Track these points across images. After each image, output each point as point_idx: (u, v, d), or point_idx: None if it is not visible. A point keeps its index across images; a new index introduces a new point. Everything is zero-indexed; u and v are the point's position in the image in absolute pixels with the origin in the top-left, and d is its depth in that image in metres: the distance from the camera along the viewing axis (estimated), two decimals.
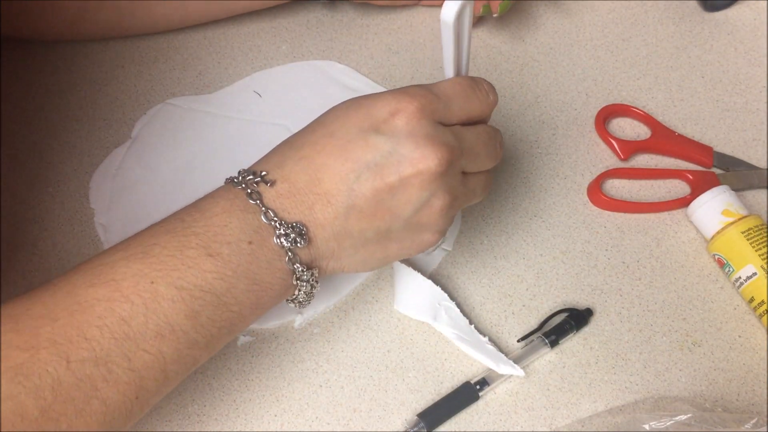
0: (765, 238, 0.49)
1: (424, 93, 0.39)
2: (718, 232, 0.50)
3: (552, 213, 0.53)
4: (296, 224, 0.38)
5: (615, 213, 0.53)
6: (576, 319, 0.48)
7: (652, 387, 0.47)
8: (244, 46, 0.59)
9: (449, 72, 0.42)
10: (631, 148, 0.55)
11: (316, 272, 0.39)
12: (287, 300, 0.40)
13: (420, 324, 0.48)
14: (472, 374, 0.46)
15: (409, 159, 0.37)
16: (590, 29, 0.62)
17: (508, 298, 0.49)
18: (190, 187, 0.52)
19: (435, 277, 0.50)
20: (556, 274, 0.50)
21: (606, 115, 0.57)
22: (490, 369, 0.46)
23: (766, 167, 0.55)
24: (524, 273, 0.50)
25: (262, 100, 0.56)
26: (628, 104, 0.57)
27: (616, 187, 0.54)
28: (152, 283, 0.34)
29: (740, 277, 0.49)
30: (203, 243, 0.36)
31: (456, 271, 0.50)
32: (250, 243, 0.37)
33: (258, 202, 0.37)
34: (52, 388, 0.31)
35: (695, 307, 0.50)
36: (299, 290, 0.39)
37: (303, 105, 0.56)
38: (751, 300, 0.48)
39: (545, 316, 0.48)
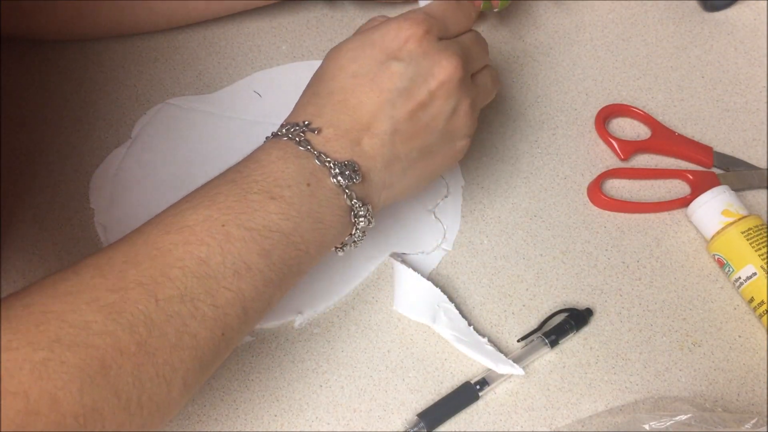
0: (765, 239, 0.49)
1: (424, 17, 0.42)
2: (718, 232, 0.50)
3: (552, 213, 0.53)
4: (349, 162, 0.40)
5: (615, 213, 0.53)
6: (576, 319, 0.48)
7: (652, 387, 0.47)
8: (244, 46, 0.59)
9: None
10: (631, 148, 0.55)
11: (370, 207, 0.42)
12: (346, 241, 0.43)
13: (420, 324, 0.48)
14: (472, 374, 0.46)
15: (432, 74, 0.42)
16: (590, 29, 0.62)
17: (508, 298, 0.49)
18: (190, 186, 0.52)
19: (435, 277, 0.50)
20: (556, 274, 0.50)
21: (606, 115, 0.57)
22: (490, 369, 0.46)
23: (766, 167, 0.55)
24: (524, 273, 0.50)
25: (262, 100, 0.56)
26: (628, 104, 0.57)
27: (616, 187, 0.54)
28: (223, 225, 0.36)
29: (740, 277, 0.49)
30: (265, 188, 0.38)
31: (456, 271, 0.50)
32: (308, 185, 0.39)
33: (309, 147, 0.40)
34: (145, 324, 0.33)
35: (695, 307, 0.50)
36: (357, 227, 0.42)
37: None
38: (751, 300, 0.48)
39: (545, 316, 0.48)
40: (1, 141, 0.54)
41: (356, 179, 0.40)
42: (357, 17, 0.61)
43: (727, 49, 0.61)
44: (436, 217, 0.52)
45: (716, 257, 0.50)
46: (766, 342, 0.48)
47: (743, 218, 0.50)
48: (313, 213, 0.39)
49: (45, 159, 0.53)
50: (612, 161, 0.55)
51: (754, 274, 0.48)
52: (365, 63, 0.42)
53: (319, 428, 0.45)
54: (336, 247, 0.43)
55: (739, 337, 0.49)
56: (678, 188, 0.54)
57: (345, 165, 0.40)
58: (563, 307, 0.48)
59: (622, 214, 0.53)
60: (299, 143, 0.40)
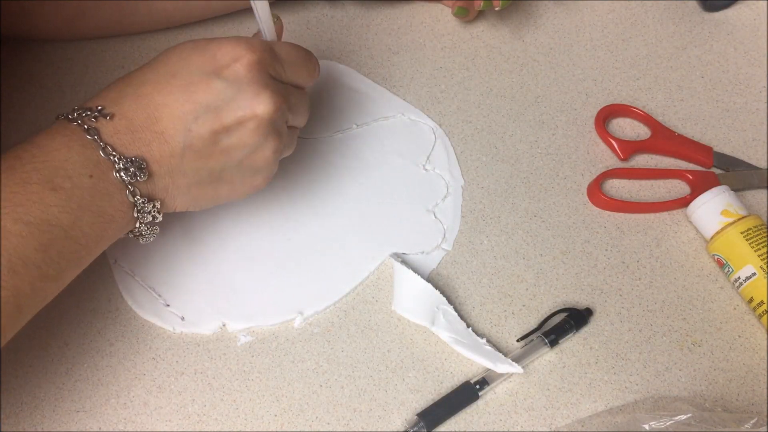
0: (764, 239, 0.49)
1: (265, 48, 0.42)
2: (717, 233, 0.50)
3: (552, 213, 0.53)
4: (136, 159, 0.39)
5: (615, 213, 0.53)
6: (575, 318, 0.48)
7: (652, 387, 0.47)
8: None
9: (268, 36, 0.46)
10: (631, 148, 0.55)
11: (158, 204, 0.41)
12: (131, 234, 0.42)
13: (420, 324, 0.48)
14: (472, 374, 0.46)
15: (248, 103, 0.40)
16: (590, 29, 0.62)
17: (508, 298, 0.49)
18: None
19: (434, 277, 0.50)
20: (556, 274, 0.50)
21: (606, 115, 0.57)
22: (490, 369, 0.46)
23: (766, 167, 0.55)
24: (524, 273, 0.50)
25: None
26: (628, 104, 0.57)
27: (616, 187, 0.54)
28: None
29: (739, 278, 0.49)
30: (45, 177, 0.36)
31: (456, 271, 0.50)
32: (91, 176, 0.38)
33: (96, 137, 0.38)
34: None
35: (695, 307, 0.50)
36: (141, 222, 0.41)
37: None
38: (751, 300, 0.48)
39: (545, 316, 0.48)
40: (1, 141, 0.54)
41: (141, 177, 0.39)
42: (357, 17, 0.61)
43: (727, 49, 0.61)
44: (436, 217, 0.52)
45: (716, 257, 0.50)
46: (765, 342, 0.48)
47: (743, 218, 0.50)
48: (94, 207, 0.38)
49: None
50: (612, 161, 0.55)
51: (754, 274, 0.48)
52: (189, 67, 0.40)
53: (319, 428, 0.45)
54: (132, 234, 0.42)
55: (739, 337, 0.49)
56: (678, 188, 0.54)
57: (131, 161, 0.39)
58: (563, 307, 0.48)
59: (622, 214, 0.53)
60: (87, 131, 0.38)
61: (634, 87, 0.59)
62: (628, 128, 0.57)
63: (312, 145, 0.54)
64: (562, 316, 0.48)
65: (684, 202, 0.53)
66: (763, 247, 0.48)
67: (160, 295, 0.48)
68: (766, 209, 0.53)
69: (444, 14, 0.62)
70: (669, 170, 0.55)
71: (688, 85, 0.59)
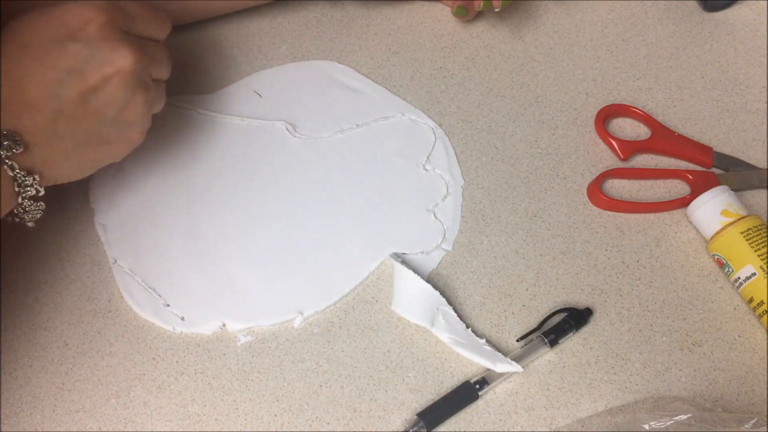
0: (764, 239, 0.49)
1: (110, 6, 0.42)
2: (717, 233, 0.50)
3: (552, 213, 0.53)
4: (9, 132, 0.38)
5: (615, 213, 0.53)
6: (575, 318, 0.48)
7: (652, 387, 0.47)
8: (244, 46, 0.59)
9: None
10: (631, 148, 0.55)
11: (37, 177, 0.40)
12: (15, 215, 0.42)
13: (419, 325, 0.48)
14: (472, 374, 0.46)
15: (109, 59, 0.41)
16: (590, 29, 0.62)
17: (508, 298, 0.49)
18: (190, 187, 0.52)
19: (434, 278, 0.50)
20: (556, 274, 0.50)
21: (606, 115, 0.57)
22: (490, 369, 0.46)
23: (765, 167, 0.55)
24: (524, 273, 0.50)
25: (262, 100, 0.56)
26: (628, 104, 0.57)
27: (616, 187, 0.54)
28: None
29: (739, 278, 0.49)
30: None
31: (456, 271, 0.50)
32: None
33: None
34: None
35: (695, 307, 0.50)
36: (23, 197, 0.41)
37: (303, 105, 0.56)
38: (751, 300, 0.48)
39: (545, 316, 0.48)
40: None
41: (16, 149, 0.39)
42: (357, 17, 0.61)
43: (727, 49, 0.61)
44: (436, 217, 0.52)
45: (716, 257, 0.50)
46: (765, 342, 0.48)
47: (743, 218, 0.50)
48: None
49: None
50: (612, 161, 0.55)
51: (754, 274, 0.48)
52: (39, 37, 0.40)
53: (319, 428, 0.45)
54: (16, 218, 0.42)
55: (739, 337, 0.49)
56: (678, 188, 0.54)
57: (4, 135, 0.38)
58: (563, 307, 0.48)
59: (621, 214, 0.53)
60: None
61: (634, 87, 0.59)
62: (628, 128, 0.57)
63: (312, 145, 0.54)
64: (562, 316, 0.48)
65: (684, 202, 0.53)
66: (763, 247, 0.48)
67: (160, 295, 0.48)
68: (766, 209, 0.53)
69: (444, 14, 0.62)
70: (669, 170, 0.55)
71: (688, 85, 0.59)
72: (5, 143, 0.38)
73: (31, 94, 0.39)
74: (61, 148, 0.41)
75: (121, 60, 0.41)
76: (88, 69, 0.40)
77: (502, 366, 0.45)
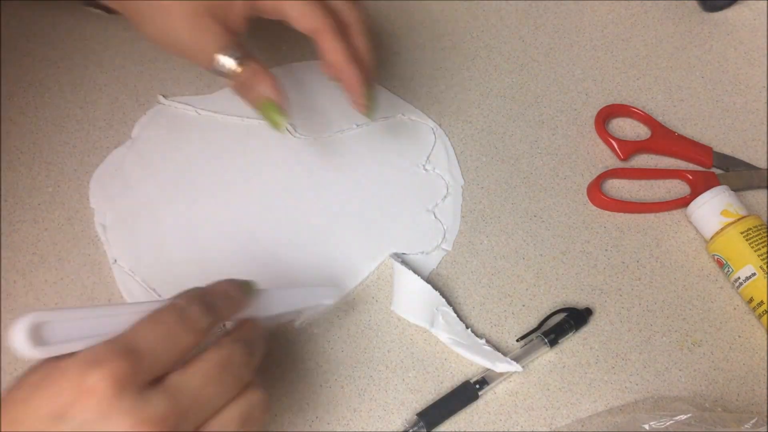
0: (764, 239, 0.49)
1: (118, 359, 0.31)
2: (717, 233, 0.50)
3: (552, 213, 0.53)
4: None
5: (615, 213, 0.53)
6: (575, 318, 0.48)
7: (652, 387, 0.47)
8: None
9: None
10: (630, 148, 0.55)
11: None
12: None
13: (419, 325, 0.48)
14: (472, 374, 0.46)
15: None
16: (590, 29, 0.62)
17: (508, 298, 0.49)
18: (190, 187, 0.52)
19: (434, 278, 0.50)
20: (556, 274, 0.50)
21: (606, 115, 0.57)
22: (489, 369, 0.46)
23: (765, 167, 0.55)
24: (524, 273, 0.50)
25: None
26: (628, 104, 0.57)
27: (616, 187, 0.54)
28: None
29: (739, 278, 0.49)
30: None
31: (456, 271, 0.50)
32: None
33: None
34: None
35: (695, 307, 0.50)
36: None
37: (303, 105, 0.56)
38: (751, 300, 0.48)
39: (545, 316, 0.48)
40: (1, 141, 0.54)
41: None
42: None
43: (727, 49, 0.61)
44: (436, 217, 0.52)
45: (716, 257, 0.50)
46: (765, 342, 0.48)
47: (743, 218, 0.50)
48: None
49: (45, 159, 0.53)
50: (612, 161, 0.55)
51: (754, 274, 0.48)
52: (29, 411, 0.31)
53: (319, 428, 0.45)
54: None
55: (739, 337, 0.49)
56: (678, 188, 0.55)
57: None
58: (562, 307, 0.48)
59: (621, 214, 0.53)
60: None
61: (634, 87, 0.59)
62: (628, 128, 0.57)
63: (312, 145, 0.54)
64: (562, 316, 0.48)
65: (684, 202, 0.53)
66: (763, 247, 0.48)
67: (160, 295, 0.48)
68: (766, 209, 0.53)
69: (444, 14, 0.62)
70: (669, 170, 0.55)
71: (688, 85, 0.59)
72: None
73: None
74: None
75: None
76: None
77: (502, 366, 0.45)
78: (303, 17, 0.44)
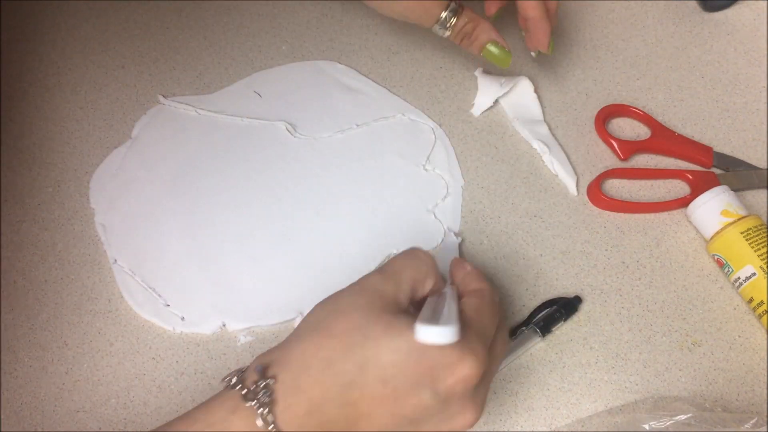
0: (764, 239, 0.49)
1: (485, 357, 0.35)
2: (717, 233, 0.50)
3: (552, 213, 0.53)
4: None
5: (615, 213, 0.53)
6: (564, 306, 0.48)
7: (652, 387, 0.47)
8: (244, 46, 0.59)
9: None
10: (631, 148, 0.55)
11: None
12: None
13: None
14: None
15: (450, 421, 0.36)
16: (590, 29, 0.62)
17: (508, 298, 0.49)
18: (190, 187, 0.52)
19: None
20: (556, 274, 0.50)
21: (606, 115, 0.57)
22: None
23: (765, 167, 0.55)
24: (524, 273, 0.50)
25: (262, 100, 0.56)
26: (628, 104, 0.57)
27: (616, 187, 0.54)
28: None
29: (739, 278, 0.49)
30: None
31: None
32: None
33: None
34: None
35: (695, 307, 0.50)
36: None
37: (303, 105, 0.56)
38: (751, 300, 0.48)
39: (545, 316, 0.48)
40: (1, 141, 0.54)
41: None
42: (357, 18, 0.61)
43: (727, 49, 0.61)
44: (436, 217, 0.52)
45: (716, 257, 0.50)
46: (766, 342, 0.48)
47: (743, 218, 0.50)
48: None
49: (45, 159, 0.53)
50: (612, 161, 0.55)
51: (754, 274, 0.48)
52: (403, 374, 0.34)
53: None
54: None
55: (739, 337, 0.49)
56: (678, 188, 0.54)
57: None
58: (552, 298, 0.48)
59: (622, 214, 0.53)
60: None
61: (634, 87, 0.59)
62: (628, 128, 0.57)
63: (312, 145, 0.54)
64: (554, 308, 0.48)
65: (684, 202, 0.53)
66: (763, 247, 0.48)
67: (160, 295, 0.48)
68: (766, 209, 0.53)
69: None
70: (669, 170, 0.55)
71: (688, 85, 0.59)
72: None
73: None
74: None
75: (459, 425, 0.36)
76: (424, 422, 0.35)
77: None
78: None
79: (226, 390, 0.35)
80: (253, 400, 0.34)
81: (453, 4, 0.50)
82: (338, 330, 0.35)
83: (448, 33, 0.51)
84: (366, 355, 0.34)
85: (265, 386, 0.34)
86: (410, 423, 0.35)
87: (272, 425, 0.34)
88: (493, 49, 0.51)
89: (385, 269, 0.39)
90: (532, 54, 0.55)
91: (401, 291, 0.38)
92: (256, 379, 0.35)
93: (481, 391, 0.37)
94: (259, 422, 0.33)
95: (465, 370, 0.34)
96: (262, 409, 0.34)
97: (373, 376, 0.34)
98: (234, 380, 0.35)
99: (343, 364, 0.34)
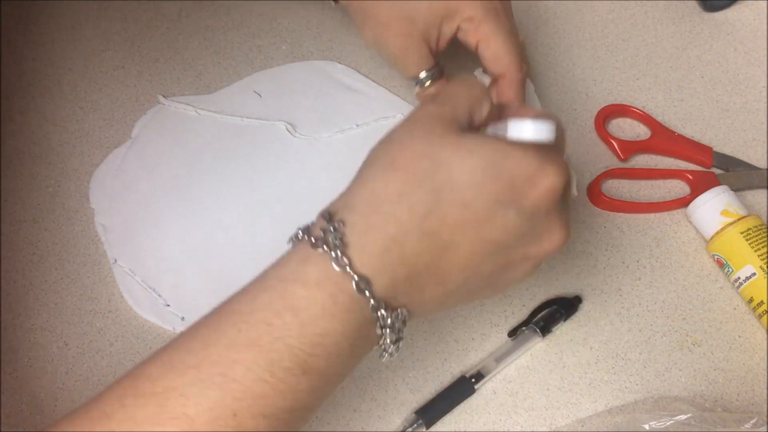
0: (764, 239, 0.49)
1: (565, 166, 0.33)
2: (717, 233, 0.50)
3: None
4: (400, 311, 0.33)
5: (615, 213, 0.53)
6: (564, 306, 0.48)
7: (652, 387, 0.47)
8: (244, 46, 0.59)
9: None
10: (631, 148, 0.55)
11: (402, 336, 0.35)
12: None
13: (420, 323, 0.48)
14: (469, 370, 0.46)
15: (539, 240, 0.34)
16: (590, 29, 0.62)
17: (508, 298, 0.49)
18: (191, 187, 0.52)
19: None
20: (555, 274, 0.50)
21: (606, 115, 0.57)
22: (485, 362, 0.46)
23: (765, 167, 0.55)
24: None
25: (262, 100, 0.56)
26: (628, 104, 0.57)
27: (616, 187, 0.54)
28: (235, 415, 0.29)
29: (739, 278, 0.49)
30: (299, 360, 0.30)
31: None
32: (351, 346, 0.32)
33: (370, 297, 0.31)
34: None
35: (695, 307, 0.50)
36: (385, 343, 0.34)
37: (303, 105, 0.56)
38: (751, 300, 0.48)
39: (540, 313, 0.48)
40: (1, 141, 0.54)
41: (402, 333, 0.33)
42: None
43: (727, 49, 0.61)
44: None
45: (716, 257, 0.50)
46: (766, 342, 0.48)
47: (743, 218, 0.50)
48: (344, 372, 0.33)
49: (45, 159, 0.53)
50: (612, 161, 0.55)
51: (754, 274, 0.48)
52: (483, 195, 0.32)
53: (319, 428, 0.45)
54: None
55: (739, 337, 0.49)
56: (678, 188, 0.54)
57: (396, 316, 0.32)
58: (553, 298, 0.48)
59: (622, 214, 0.53)
60: (358, 287, 0.31)
61: (634, 87, 0.59)
62: (628, 128, 0.57)
63: (312, 145, 0.54)
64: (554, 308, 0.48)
65: (684, 202, 0.53)
66: (763, 247, 0.48)
67: (160, 295, 0.48)
68: (766, 209, 0.53)
69: None
70: (669, 170, 0.55)
71: (688, 85, 0.59)
72: (395, 326, 0.33)
73: (446, 266, 0.33)
74: (436, 310, 0.36)
75: (550, 245, 0.34)
76: (514, 246, 0.33)
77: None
78: (496, 62, 0.48)
79: (293, 246, 0.33)
80: (323, 246, 0.31)
81: (435, 70, 0.49)
82: (403, 162, 0.32)
83: (417, 90, 0.50)
84: (439, 180, 0.32)
85: (335, 230, 0.32)
86: (498, 248, 0.33)
87: (348, 266, 0.31)
88: None
89: (436, 96, 0.36)
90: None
91: (459, 112, 0.34)
92: (323, 226, 0.32)
93: (564, 209, 0.34)
94: (335, 266, 0.31)
95: (547, 180, 0.32)
96: (334, 252, 0.31)
97: (450, 201, 0.32)
98: (300, 234, 0.33)
99: (415, 194, 0.32)
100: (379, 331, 0.33)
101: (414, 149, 0.33)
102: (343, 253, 0.31)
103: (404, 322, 0.33)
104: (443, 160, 0.32)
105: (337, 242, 0.31)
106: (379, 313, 0.32)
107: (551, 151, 0.33)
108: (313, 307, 0.31)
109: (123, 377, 0.31)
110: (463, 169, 0.32)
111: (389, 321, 0.32)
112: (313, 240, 0.32)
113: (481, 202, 0.32)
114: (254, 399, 0.30)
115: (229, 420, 0.29)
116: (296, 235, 0.33)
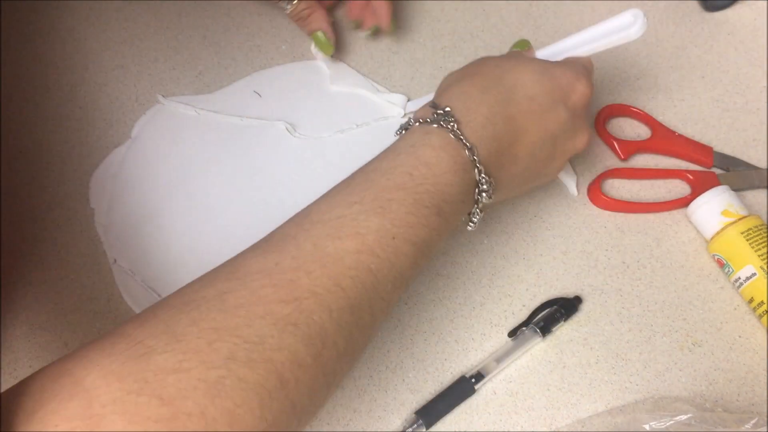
0: (765, 239, 0.49)
1: (591, 80, 0.46)
2: (717, 233, 0.50)
3: (552, 213, 0.53)
4: (493, 182, 0.42)
5: (615, 213, 0.53)
6: (564, 306, 0.48)
7: (652, 387, 0.47)
8: (244, 46, 0.59)
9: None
10: (631, 148, 0.55)
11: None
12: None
13: (420, 324, 0.48)
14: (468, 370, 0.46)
15: (575, 137, 0.45)
16: None
17: (508, 298, 0.49)
18: (190, 186, 0.52)
19: (435, 278, 0.50)
20: (556, 274, 0.50)
21: (606, 115, 0.57)
22: (485, 362, 0.46)
23: (766, 167, 0.55)
24: (524, 273, 0.50)
25: (262, 100, 0.56)
26: (628, 104, 0.57)
27: (616, 187, 0.54)
28: (394, 238, 0.36)
29: (740, 278, 0.49)
30: (434, 202, 0.38)
31: (456, 271, 0.50)
32: (463, 201, 0.40)
33: (478, 163, 0.40)
34: (320, 336, 0.33)
35: (695, 307, 0.50)
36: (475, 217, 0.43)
37: (303, 105, 0.56)
38: (751, 300, 0.48)
39: (540, 313, 0.48)
40: (1, 141, 0.54)
41: (488, 199, 0.41)
42: None
43: (727, 49, 0.61)
44: None
45: (716, 257, 0.50)
46: (766, 342, 0.48)
47: (743, 218, 0.50)
48: (454, 225, 0.40)
49: (45, 159, 0.53)
50: (612, 161, 0.55)
51: (754, 274, 0.48)
52: (543, 93, 0.43)
53: (319, 428, 0.45)
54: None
55: (739, 337, 0.49)
56: (678, 188, 0.54)
57: (490, 184, 0.41)
58: (553, 298, 0.48)
59: (622, 214, 0.53)
60: (470, 153, 0.40)
61: (634, 87, 0.59)
62: (628, 128, 0.57)
63: (312, 145, 0.54)
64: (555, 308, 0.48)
65: (684, 202, 0.53)
66: (763, 247, 0.48)
67: (160, 295, 0.48)
68: (766, 209, 0.53)
69: (444, 14, 0.62)
70: (669, 170, 0.55)
71: (688, 85, 0.59)
72: (489, 191, 0.41)
73: (518, 148, 0.42)
74: (507, 194, 0.45)
75: (580, 142, 0.45)
76: (562, 138, 0.44)
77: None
78: None
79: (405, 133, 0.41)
80: (440, 122, 0.40)
81: None
82: (482, 70, 0.44)
83: (288, 10, 0.56)
84: (510, 80, 0.43)
85: (445, 113, 0.40)
86: (551, 138, 0.43)
87: (462, 137, 0.40)
88: (320, 35, 0.56)
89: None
90: (364, 34, 0.59)
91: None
92: (429, 114, 0.41)
93: (588, 116, 0.45)
94: (451, 136, 0.39)
95: (581, 86, 0.44)
96: (452, 124, 0.40)
97: (522, 94, 0.42)
98: (411, 122, 0.41)
99: (496, 88, 0.42)
100: (476, 197, 0.41)
101: (487, 63, 0.44)
102: (456, 127, 0.40)
103: (491, 195, 0.41)
104: (510, 68, 0.44)
105: (451, 119, 0.40)
106: (482, 177, 0.40)
107: (583, 69, 0.46)
108: (442, 164, 0.39)
109: (292, 216, 0.38)
110: (527, 72, 0.43)
111: (485, 186, 0.40)
112: (429, 120, 0.41)
113: (542, 96, 0.43)
114: (406, 228, 0.37)
115: (389, 241, 0.36)
116: (407, 123, 0.42)
